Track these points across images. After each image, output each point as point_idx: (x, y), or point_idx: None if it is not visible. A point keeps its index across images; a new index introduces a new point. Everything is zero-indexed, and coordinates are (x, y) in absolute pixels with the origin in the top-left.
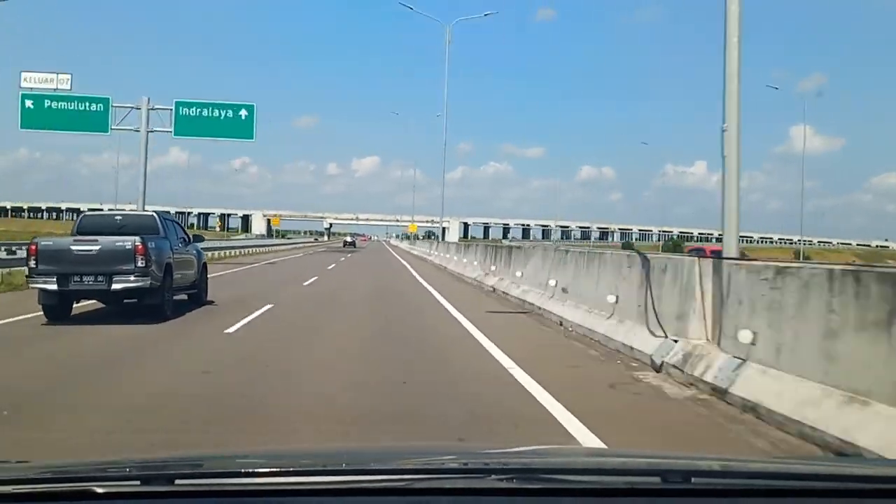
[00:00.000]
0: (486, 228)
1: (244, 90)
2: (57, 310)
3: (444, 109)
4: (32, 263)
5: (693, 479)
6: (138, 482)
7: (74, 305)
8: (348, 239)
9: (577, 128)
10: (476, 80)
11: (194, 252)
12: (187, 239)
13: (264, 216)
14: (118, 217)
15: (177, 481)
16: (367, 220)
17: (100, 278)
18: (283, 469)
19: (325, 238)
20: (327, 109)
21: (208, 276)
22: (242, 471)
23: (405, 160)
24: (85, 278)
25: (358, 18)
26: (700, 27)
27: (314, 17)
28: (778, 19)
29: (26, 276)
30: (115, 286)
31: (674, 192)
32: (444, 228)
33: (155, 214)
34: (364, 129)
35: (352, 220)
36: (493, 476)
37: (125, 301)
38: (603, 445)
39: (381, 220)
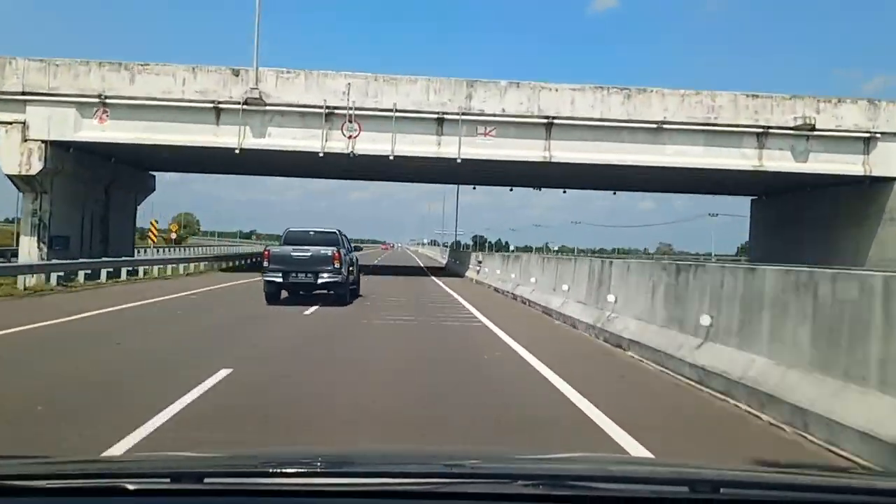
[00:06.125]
0: None
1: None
2: (275, 296)
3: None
4: (265, 263)
5: (722, 490)
6: (168, 480)
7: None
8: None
9: None
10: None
11: (356, 258)
12: (351, 248)
13: None
14: (311, 232)
15: (206, 479)
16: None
17: (308, 275)
18: (310, 469)
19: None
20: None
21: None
22: (270, 470)
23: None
24: (299, 274)
25: None
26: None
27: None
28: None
29: (261, 271)
30: (319, 280)
31: None
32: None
33: (337, 231)
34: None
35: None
36: (520, 482)
37: (315, 292)
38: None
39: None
